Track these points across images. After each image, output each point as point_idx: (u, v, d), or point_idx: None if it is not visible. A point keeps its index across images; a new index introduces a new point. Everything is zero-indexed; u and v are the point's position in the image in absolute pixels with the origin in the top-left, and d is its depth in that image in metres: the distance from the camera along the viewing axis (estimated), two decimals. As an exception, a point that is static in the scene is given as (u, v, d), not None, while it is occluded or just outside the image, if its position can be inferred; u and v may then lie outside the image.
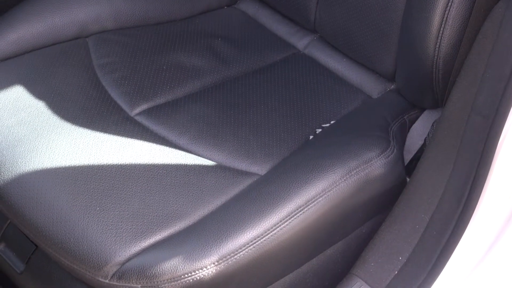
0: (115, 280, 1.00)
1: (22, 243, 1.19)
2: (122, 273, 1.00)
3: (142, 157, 1.14)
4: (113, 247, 1.02)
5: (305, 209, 1.06)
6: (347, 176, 1.10)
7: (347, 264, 1.16)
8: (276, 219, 1.04)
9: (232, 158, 1.18)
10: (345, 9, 1.33)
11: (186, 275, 0.98)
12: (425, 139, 1.26)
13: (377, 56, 1.32)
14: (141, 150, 1.16)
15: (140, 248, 1.02)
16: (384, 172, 1.14)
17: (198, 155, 1.17)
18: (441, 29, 1.16)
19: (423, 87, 1.24)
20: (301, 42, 1.46)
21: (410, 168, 1.24)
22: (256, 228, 1.03)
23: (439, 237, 1.06)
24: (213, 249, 1.00)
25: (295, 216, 1.05)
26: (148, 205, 1.07)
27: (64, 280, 1.15)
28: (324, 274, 1.18)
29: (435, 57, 1.18)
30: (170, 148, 1.17)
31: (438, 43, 1.17)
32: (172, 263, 0.98)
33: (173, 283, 0.98)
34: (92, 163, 1.12)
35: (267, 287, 1.10)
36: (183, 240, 1.02)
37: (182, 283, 0.98)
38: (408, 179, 1.20)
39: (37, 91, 1.24)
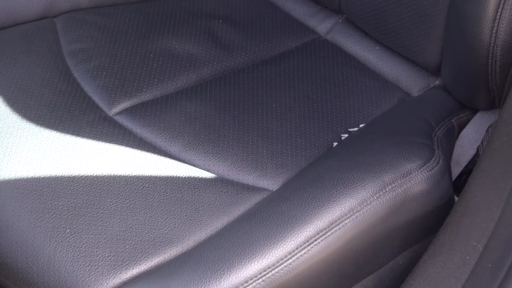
0: (88, 321, 0.97)
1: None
2: (97, 312, 0.97)
3: (124, 167, 1.13)
4: (86, 279, 1.00)
5: (328, 233, 1.05)
6: (381, 193, 1.09)
7: (380, 304, 1.14)
8: (292, 246, 1.03)
9: (236, 169, 1.17)
10: (378, -16, 1.32)
11: (178, 316, 0.95)
12: (478, 148, 1.25)
13: (418, 44, 1.30)
14: (122, 158, 1.15)
15: (120, 280, 1.01)
16: (426, 188, 1.13)
17: (194, 165, 1.16)
18: (499, 9, 1.14)
19: (475, 82, 1.23)
20: (323, 25, 1.46)
21: (459, 184, 1.24)
22: (266, 257, 1.01)
23: (495, 270, 1.04)
24: (212, 283, 0.98)
25: (315, 243, 1.04)
26: (130, 227, 1.06)
27: (24, 320, 1.14)
28: (351, 315, 1.16)
29: (491, 44, 1.17)
30: (159, 156, 1.17)
31: (495, 28, 1.15)
32: (160, 301, 0.95)
33: (162, 326, 0.95)
34: (61, 174, 1.11)
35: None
36: (175, 271, 1.01)
37: (173, 326, 0.94)
38: (456, 198, 1.18)
39: (-7, 84, 1.20)
